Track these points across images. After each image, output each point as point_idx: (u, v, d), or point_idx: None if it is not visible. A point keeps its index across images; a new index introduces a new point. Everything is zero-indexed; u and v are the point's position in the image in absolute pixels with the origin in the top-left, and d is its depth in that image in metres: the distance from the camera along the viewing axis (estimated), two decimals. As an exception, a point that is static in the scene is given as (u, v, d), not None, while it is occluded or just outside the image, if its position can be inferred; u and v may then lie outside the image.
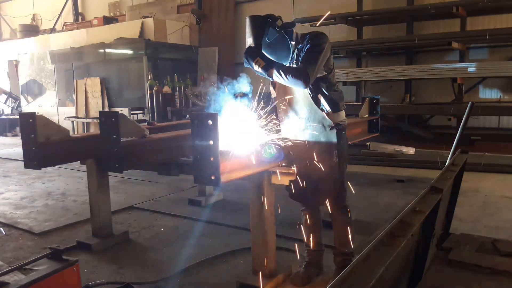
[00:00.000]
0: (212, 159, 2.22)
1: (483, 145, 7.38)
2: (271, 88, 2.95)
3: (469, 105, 4.36)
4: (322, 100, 2.75)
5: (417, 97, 9.54)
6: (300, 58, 2.66)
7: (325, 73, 2.73)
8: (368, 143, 7.32)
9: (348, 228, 2.92)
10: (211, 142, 2.22)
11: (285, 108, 2.85)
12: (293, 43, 2.70)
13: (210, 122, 2.21)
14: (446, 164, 2.44)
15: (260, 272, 2.87)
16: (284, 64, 2.69)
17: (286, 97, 2.83)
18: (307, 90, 2.69)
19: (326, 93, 2.76)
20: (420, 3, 9.04)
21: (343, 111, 2.87)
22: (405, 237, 1.33)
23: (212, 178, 2.25)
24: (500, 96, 8.65)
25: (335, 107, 2.78)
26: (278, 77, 2.57)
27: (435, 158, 6.62)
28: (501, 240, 2.29)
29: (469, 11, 8.26)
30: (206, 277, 3.13)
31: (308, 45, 2.62)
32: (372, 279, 1.05)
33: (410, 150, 7.34)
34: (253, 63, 2.60)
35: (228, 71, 9.84)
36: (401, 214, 1.52)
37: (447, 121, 8.97)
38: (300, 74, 2.52)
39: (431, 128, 9.29)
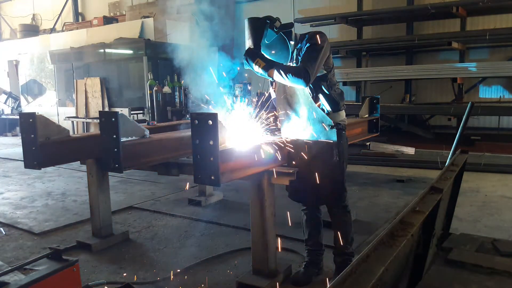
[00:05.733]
0: (212, 159, 2.22)
1: (483, 145, 7.39)
2: (271, 89, 2.96)
3: (469, 105, 4.36)
4: (322, 100, 2.75)
5: (417, 97, 9.55)
6: (299, 58, 2.66)
7: (325, 72, 2.73)
8: (368, 143, 7.32)
9: (348, 228, 2.92)
10: (211, 142, 2.22)
11: (285, 108, 2.85)
12: (292, 43, 2.71)
13: (210, 122, 2.21)
14: (446, 164, 2.44)
15: (260, 272, 2.88)
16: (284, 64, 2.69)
17: (286, 97, 2.83)
18: (308, 90, 2.69)
19: (327, 92, 2.76)
20: (420, 3, 9.05)
21: (343, 111, 2.88)
22: (405, 237, 1.33)
23: (212, 178, 2.24)
24: (500, 96, 8.65)
25: (335, 107, 2.79)
26: (278, 77, 2.57)
27: (435, 158, 6.62)
28: (501, 240, 2.29)
29: (469, 11, 8.27)
30: (206, 277, 3.13)
31: (307, 44, 2.63)
32: (372, 279, 1.05)
33: (410, 150, 7.35)
34: (253, 64, 2.60)
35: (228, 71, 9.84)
36: (401, 214, 1.52)
37: (447, 121, 8.98)
38: (300, 73, 2.52)
39: (431, 128, 9.29)
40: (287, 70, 2.55)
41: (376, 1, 9.66)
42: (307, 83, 2.55)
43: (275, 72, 2.56)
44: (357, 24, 9.54)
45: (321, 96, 2.75)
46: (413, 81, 9.43)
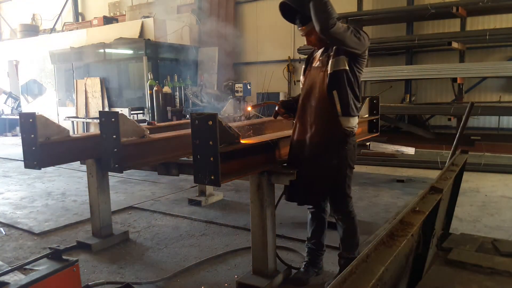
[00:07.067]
0: (212, 159, 2.22)
1: (483, 145, 7.38)
2: (301, 77, 2.93)
3: (469, 105, 4.35)
4: (336, 99, 2.65)
5: (417, 97, 9.55)
6: (338, 52, 2.63)
7: (346, 68, 2.65)
8: (368, 143, 7.31)
9: (352, 233, 2.89)
10: (211, 142, 2.22)
11: (303, 100, 2.82)
12: None
13: (210, 122, 2.21)
14: (446, 164, 2.44)
15: (260, 272, 2.88)
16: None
17: (307, 88, 2.80)
18: (326, 81, 2.65)
19: (343, 92, 2.66)
20: (420, 3, 9.04)
21: (356, 118, 2.77)
22: (405, 237, 1.33)
23: (212, 178, 2.25)
24: (500, 96, 8.65)
25: (346, 111, 2.68)
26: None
27: (435, 158, 6.62)
28: (501, 240, 2.29)
29: (469, 11, 8.26)
30: (206, 277, 3.13)
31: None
32: (372, 279, 1.05)
33: (410, 150, 7.33)
34: None
35: (228, 71, 9.85)
36: (401, 214, 1.52)
37: (447, 121, 8.97)
38: (330, 15, 2.40)
39: (431, 128, 9.29)
40: (326, 2, 2.41)
41: (376, 1, 9.66)
42: (324, 27, 2.42)
43: None
44: (357, 24, 9.53)
45: (335, 95, 2.65)
46: (413, 81, 9.43)
